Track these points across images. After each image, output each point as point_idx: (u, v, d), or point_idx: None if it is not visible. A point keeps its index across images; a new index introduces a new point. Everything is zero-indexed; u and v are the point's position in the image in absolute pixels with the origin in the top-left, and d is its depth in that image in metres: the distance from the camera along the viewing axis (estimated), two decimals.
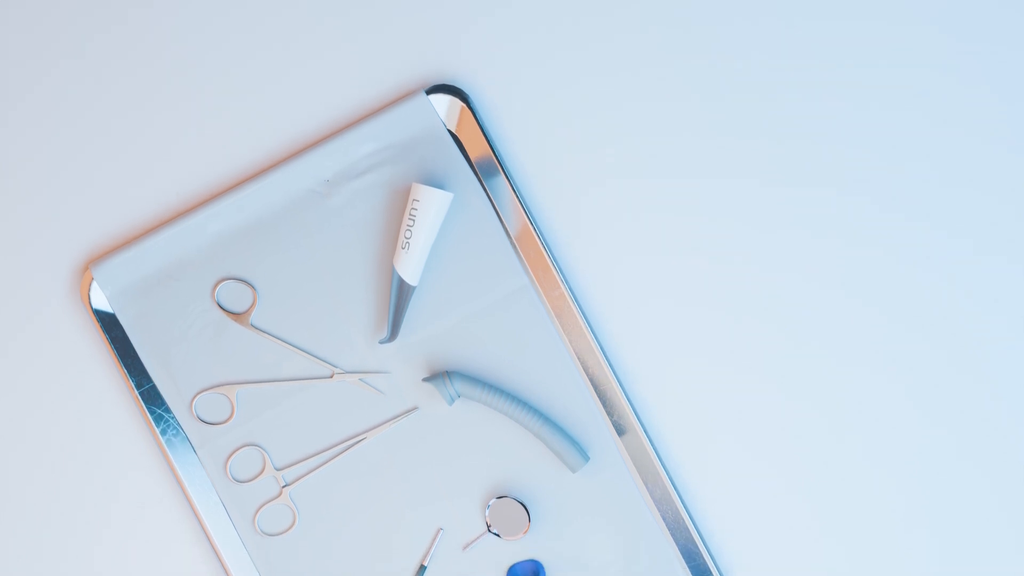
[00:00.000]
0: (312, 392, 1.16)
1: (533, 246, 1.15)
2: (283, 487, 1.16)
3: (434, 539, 1.16)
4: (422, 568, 1.16)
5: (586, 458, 1.13)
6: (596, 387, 1.15)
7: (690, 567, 1.15)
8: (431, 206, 1.12)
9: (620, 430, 1.15)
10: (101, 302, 1.16)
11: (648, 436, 1.15)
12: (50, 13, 1.17)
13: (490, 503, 1.15)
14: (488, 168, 1.15)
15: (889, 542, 1.16)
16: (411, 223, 1.12)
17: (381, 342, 1.14)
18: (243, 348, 1.16)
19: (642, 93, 1.16)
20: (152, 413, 1.16)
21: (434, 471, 1.16)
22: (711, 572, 1.15)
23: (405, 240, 1.12)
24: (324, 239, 1.15)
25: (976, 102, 1.15)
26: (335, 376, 1.16)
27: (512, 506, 1.14)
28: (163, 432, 1.16)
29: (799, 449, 1.16)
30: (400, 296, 1.13)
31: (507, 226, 1.15)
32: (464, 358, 1.15)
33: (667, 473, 1.15)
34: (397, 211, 1.15)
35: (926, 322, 1.16)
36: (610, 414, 1.15)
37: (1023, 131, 1.16)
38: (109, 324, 1.16)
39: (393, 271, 1.13)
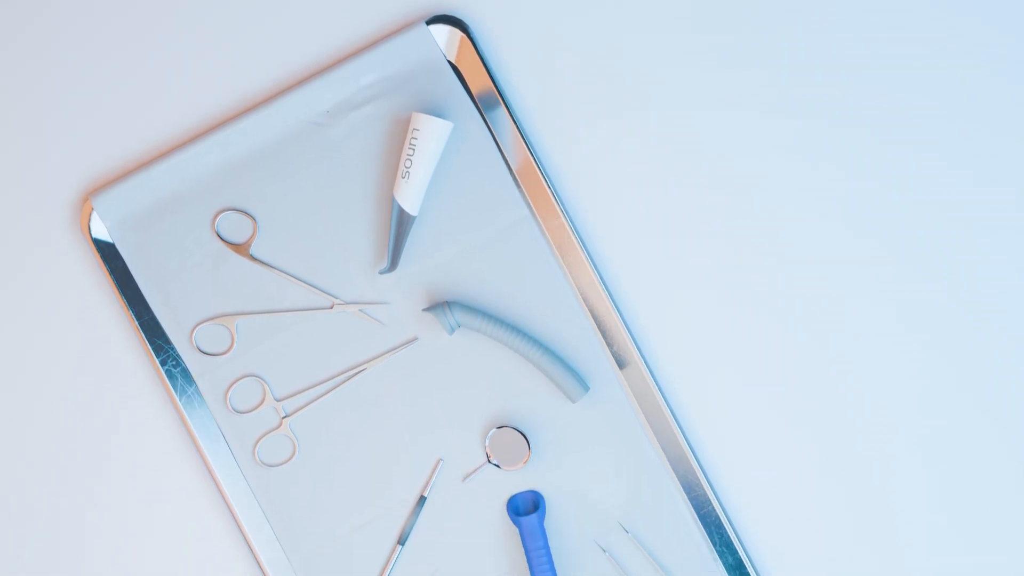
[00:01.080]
0: (312, 323, 1.16)
1: (533, 177, 1.15)
2: (283, 418, 1.16)
3: (434, 470, 1.16)
4: (422, 499, 1.16)
5: (586, 388, 1.13)
6: (596, 319, 1.15)
7: (690, 498, 1.15)
8: (431, 135, 1.12)
9: (620, 362, 1.15)
10: (101, 233, 1.16)
11: (648, 367, 1.15)
12: None
13: (490, 433, 1.15)
14: (488, 100, 1.15)
15: (888, 472, 1.16)
16: (411, 152, 1.12)
17: (381, 272, 1.14)
18: (243, 279, 1.16)
19: (643, 25, 1.16)
20: (152, 344, 1.16)
21: (434, 402, 1.16)
22: (711, 503, 1.15)
23: (405, 170, 1.12)
24: (324, 170, 1.15)
25: (975, 30, 1.15)
26: (335, 307, 1.16)
27: (512, 436, 1.15)
28: (163, 363, 1.16)
29: (799, 381, 1.16)
30: (400, 226, 1.13)
31: (507, 157, 1.15)
32: (464, 289, 1.15)
33: (668, 404, 1.15)
34: (397, 142, 1.15)
35: (925, 254, 1.16)
36: (610, 345, 1.15)
37: None
38: (109, 255, 1.16)
39: (393, 201, 1.13)
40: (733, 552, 1.15)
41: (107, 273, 1.16)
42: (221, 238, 1.16)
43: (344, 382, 1.16)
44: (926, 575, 1.16)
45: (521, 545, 1.15)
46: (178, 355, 1.16)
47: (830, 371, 1.16)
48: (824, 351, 1.16)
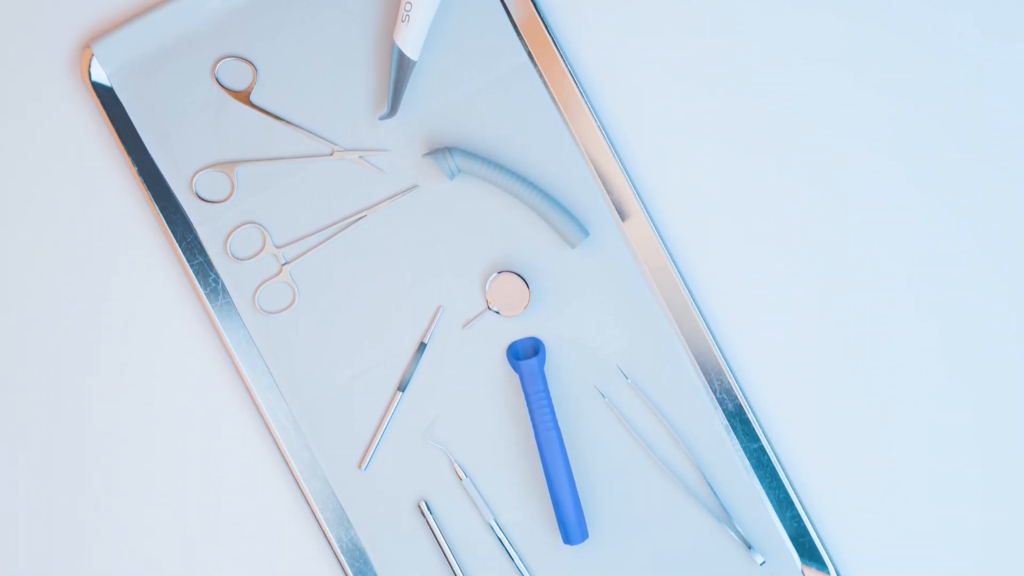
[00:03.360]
0: (312, 170, 1.16)
1: (534, 23, 1.15)
2: (283, 265, 1.16)
3: (434, 317, 1.16)
4: (422, 346, 1.16)
5: (586, 233, 1.13)
6: (596, 167, 1.15)
7: (690, 345, 1.15)
8: None
9: (620, 209, 1.15)
10: (101, 79, 1.15)
11: (649, 215, 1.15)
12: None
13: (491, 278, 1.15)
14: None
15: (888, 319, 1.17)
16: None
17: (381, 118, 1.14)
18: (243, 126, 1.16)
19: None
20: (152, 191, 1.16)
21: (434, 249, 1.16)
22: (711, 350, 1.15)
23: (405, 13, 1.12)
24: (324, 15, 1.15)
25: None
26: (335, 154, 1.16)
27: (512, 281, 1.15)
28: (162, 211, 1.16)
29: (800, 228, 1.16)
30: (400, 71, 1.13)
31: (507, 2, 1.15)
32: (465, 135, 1.15)
33: (668, 252, 1.15)
34: None
35: (930, 102, 1.16)
36: (610, 192, 1.15)
37: None
38: (109, 102, 1.16)
39: (393, 45, 1.12)
40: (733, 398, 1.15)
41: (107, 120, 1.16)
42: (221, 85, 1.16)
43: (344, 229, 1.16)
44: (924, 422, 1.17)
45: (521, 390, 1.15)
46: (178, 202, 1.16)
47: (832, 218, 1.16)
48: (826, 198, 1.16)
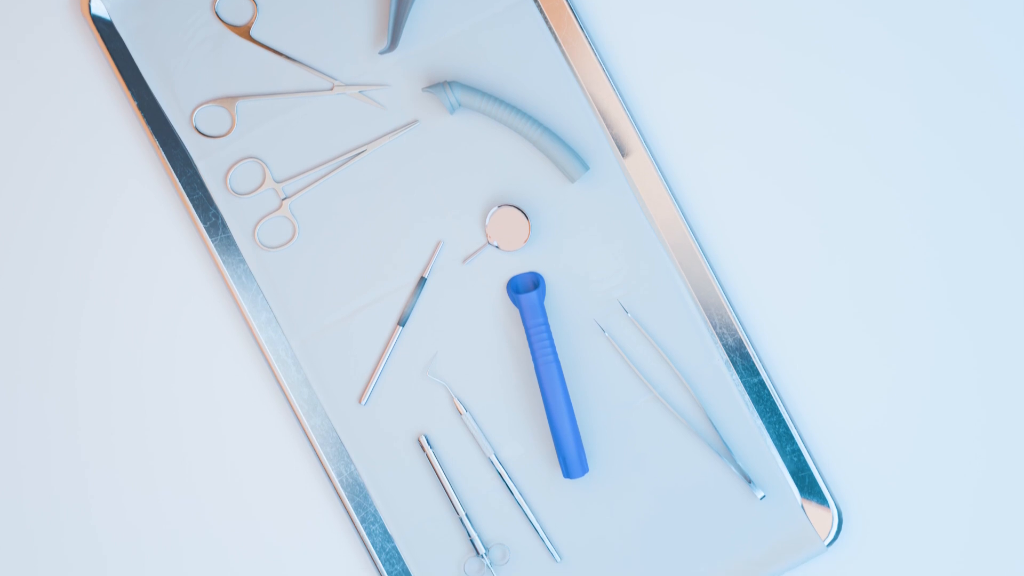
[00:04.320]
0: (312, 105, 1.16)
1: None
2: (283, 200, 1.16)
3: (434, 252, 1.16)
4: (422, 280, 1.16)
5: (585, 167, 1.13)
6: (597, 102, 1.15)
7: (690, 280, 1.15)
8: None
9: (621, 144, 1.15)
10: (101, 12, 1.15)
11: (649, 150, 1.15)
12: None
13: (491, 211, 1.15)
14: None
15: (890, 253, 1.17)
16: None
17: (381, 53, 1.14)
18: (243, 61, 1.16)
19: None
20: (151, 126, 1.16)
21: (434, 184, 1.16)
22: (711, 284, 1.15)
23: None
24: None
25: None
26: (335, 89, 1.16)
27: (512, 215, 1.14)
28: (162, 145, 1.16)
29: (801, 163, 1.16)
30: (400, 4, 1.13)
31: None
32: (465, 70, 1.15)
33: (668, 187, 1.15)
34: None
35: (935, 36, 1.16)
36: (610, 127, 1.15)
37: None
38: (109, 36, 1.15)
39: None
40: (733, 333, 1.15)
41: (107, 54, 1.15)
42: (221, 19, 1.16)
43: (344, 164, 1.16)
44: (924, 356, 1.17)
45: (521, 325, 1.15)
46: (178, 137, 1.16)
47: (833, 153, 1.16)
48: (827, 132, 1.16)
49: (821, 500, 1.15)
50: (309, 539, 1.18)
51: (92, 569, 1.19)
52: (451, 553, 1.16)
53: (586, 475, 1.16)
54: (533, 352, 1.13)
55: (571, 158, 1.13)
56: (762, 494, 1.15)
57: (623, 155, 1.15)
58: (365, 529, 1.16)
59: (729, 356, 1.15)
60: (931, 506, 1.16)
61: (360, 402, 1.16)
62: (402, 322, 1.16)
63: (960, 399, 1.16)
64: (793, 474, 1.15)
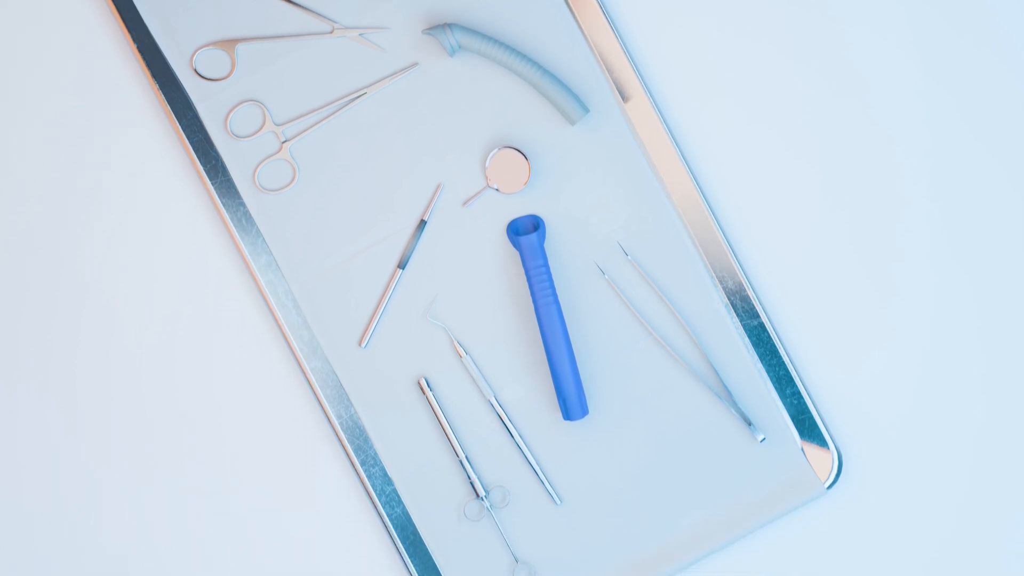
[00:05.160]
0: (312, 48, 1.16)
1: None
2: (283, 143, 1.16)
3: (434, 195, 1.16)
4: (422, 223, 1.16)
5: (586, 109, 1.13)
6: (597, 46, 1.15)
7: (690, 224, 1.15)
8: None
9: (621, 88, 1.15)
10: None
11: (650, 94, 1.15)
12: None
13: (491, 153, 1.14)
14: None
15: (890, 198, 1.17)
16: None
17: None
18: (243, 4, 1.16)
19: None
20: (151, 69, 1.16)
21: (434, 127, 1.15)
22: (712, 229, 1.15)
23: None
24: None
25: None
26: (335, 32, 1.15)
27: (512, 157, 1.14)
28: (162, 88, 1.16)
29: (803, 110, 1.16)
30: None
31: None
32: (465, 13, 1.15)
33: (669, 130, 1.15)
34: None
35: None
36: (610, 71, 1.15)
37: None
38: None
39: None
40: (733, 276, 1.15)
41: None
42: None
43: (344, 107, 1.16)
44: (924, 298, 1.16)
45: (521, 268, 1.15)
46: (178, 80, 1.16)
47: (833, 97, 1.16)
48: (828, 77, 1.16)
49: (821, 443, 1.15)
50: (309, 482, 1.18)
51: (88, 509, 1.19)
52: (451, 496, 1.16)
53: (586, 418, 1.16)
54: (533, 294, 1.13)
55: (571, 100, 1.13)
56: (762, 437, 1.15)
57: (624, 100, 1.15)
58: (365, 472, 1.16)
59: (729, 299, 1.15)
60: (931, 448, 1.16)
61: (360, 345, 1.16)
62: (402, 265, 1.16)
63: (960, 341, 1.16)
64: (793, 417, 1.15)
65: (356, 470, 1.16)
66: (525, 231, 1.15)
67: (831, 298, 1.16)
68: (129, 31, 1.15)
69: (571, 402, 1.13)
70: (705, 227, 1.15)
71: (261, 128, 1.16)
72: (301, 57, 1.16)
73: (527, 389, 1.16)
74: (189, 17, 1.15)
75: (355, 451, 1.16)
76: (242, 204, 1.16)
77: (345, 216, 1.16)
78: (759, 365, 1.15)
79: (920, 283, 1.16)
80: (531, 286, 1.13)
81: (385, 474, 1.16)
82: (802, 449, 1.15)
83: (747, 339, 1.15)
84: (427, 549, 1.16)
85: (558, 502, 1.16)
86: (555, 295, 1.13)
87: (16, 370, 1.19)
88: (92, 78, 1.17)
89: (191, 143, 1.16)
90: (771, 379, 1.15)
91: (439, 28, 1.12)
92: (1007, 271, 1.16)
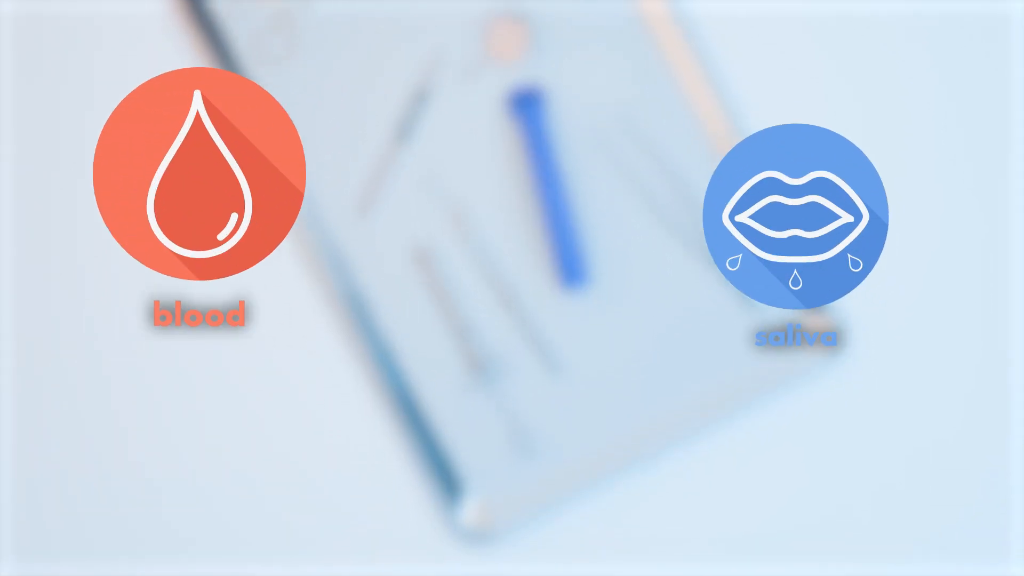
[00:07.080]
0: None
1: None
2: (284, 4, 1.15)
3: (433, 64, 1.15)
4: (421, 93, 1.15)
5: None
6: None
7: (698, 100, 1.14)
8: None
9: None
10: None
11: None
12: None
13: (491, 21, 1.13)
14: None
15: (900, 82, 1.15)
16: None
17: None
18: None
19: None
20: None
21: None
22: (719, 105, 1.14)
23: None
24: None
25: None
26: None
27: (512, 25, 1.13)
28: None
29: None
30: None
31: None
32: None
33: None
34: None
35: None
36: None
37: None
38: None
39: None
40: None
41: None
42: None
43: None
44: (926, 181, 1.15)
45: (522, 140, 1.14)
46: None
47: None
48: None
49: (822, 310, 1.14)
50: (307, 354, 1.18)
51: (90, 378, 1.19)
52: (450, 367, 1.16)
53: (587, 290, 1.15)
54: (534, 164, 1.12)
55: None
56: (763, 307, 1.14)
57: None
58: (365, 342, 1.16)
59: None
60: (937, 329, 1.16)
61: (361, 215, 1.16)
62: (400, 136, 1.15)
63: (963, 221, 1.15)
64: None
65: (355, 342, 1.16)
66: (526, 102, 1.14)
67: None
68: None
69: (570, 267, 1.12)
70: (711, 103, 1.14)
71: None
72: None
73: (527, 261, 1.16)
74: None
75: (355, 322, 1.16)
76: (242, 72, 1.16)
77: (340, 87, 1.15)
78: None
79: (923, 160, 1.15)
80: (532, 157, 1.12)
81: (384, 346, 1.16)
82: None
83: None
84: (426, 420, 1.16)
85: (558, 373, 1.16)
86: (556, 165, 1.12)
87: (16, 240, 1.19)
88: None
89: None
90: None
91: None
92: (1006, 142, 1.15)
